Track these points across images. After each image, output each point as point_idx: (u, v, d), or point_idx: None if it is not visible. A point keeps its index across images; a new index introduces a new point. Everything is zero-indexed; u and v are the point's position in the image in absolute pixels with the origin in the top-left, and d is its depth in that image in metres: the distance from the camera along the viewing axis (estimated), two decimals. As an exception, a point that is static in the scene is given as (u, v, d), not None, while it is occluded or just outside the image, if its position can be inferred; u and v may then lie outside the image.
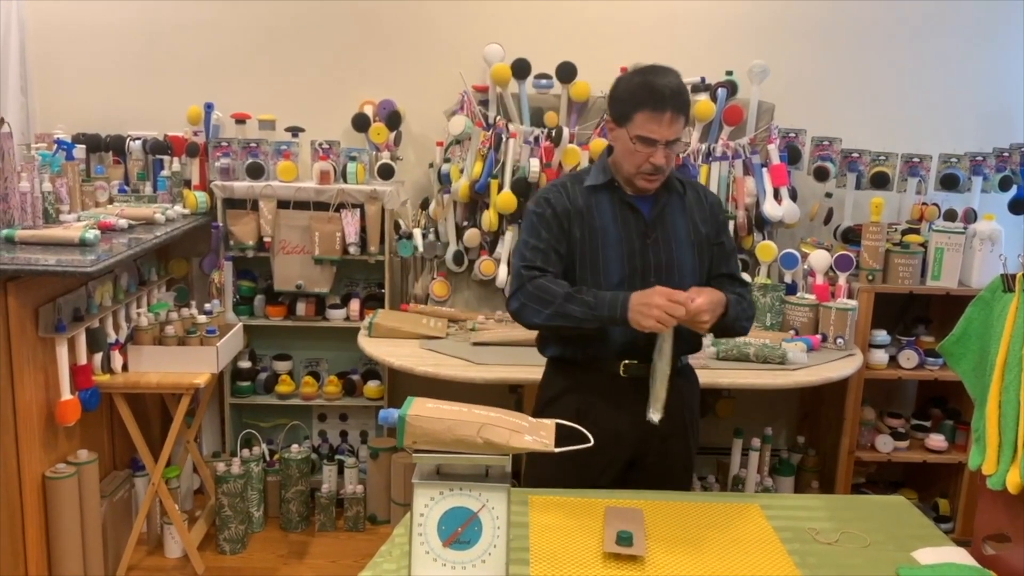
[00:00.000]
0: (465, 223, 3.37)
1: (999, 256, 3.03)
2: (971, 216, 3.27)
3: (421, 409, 1.43)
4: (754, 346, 2.84)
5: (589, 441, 1.48)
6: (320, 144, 3.36)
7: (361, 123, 3.40)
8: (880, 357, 3.18)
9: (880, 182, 3.35)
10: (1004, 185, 3.35)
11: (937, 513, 3.34)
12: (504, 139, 3.24)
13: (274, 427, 3.59)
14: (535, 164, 3.19)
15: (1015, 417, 1.45)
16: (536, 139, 3.25)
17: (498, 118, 3.29)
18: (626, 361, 2.04)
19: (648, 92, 1.92)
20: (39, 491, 2.56)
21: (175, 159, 3.40)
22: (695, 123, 3.29)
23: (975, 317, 1.62)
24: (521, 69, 3.26)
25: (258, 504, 3.33)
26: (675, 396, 2.01)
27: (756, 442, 3.28)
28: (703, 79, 3.32)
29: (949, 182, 3.32)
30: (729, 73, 3.35)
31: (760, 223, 3.34)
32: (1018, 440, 1.44)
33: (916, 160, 3.35)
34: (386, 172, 3.35)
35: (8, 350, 2.39)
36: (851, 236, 3.33)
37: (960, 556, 1.57)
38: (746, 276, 2.98)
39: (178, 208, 3.26)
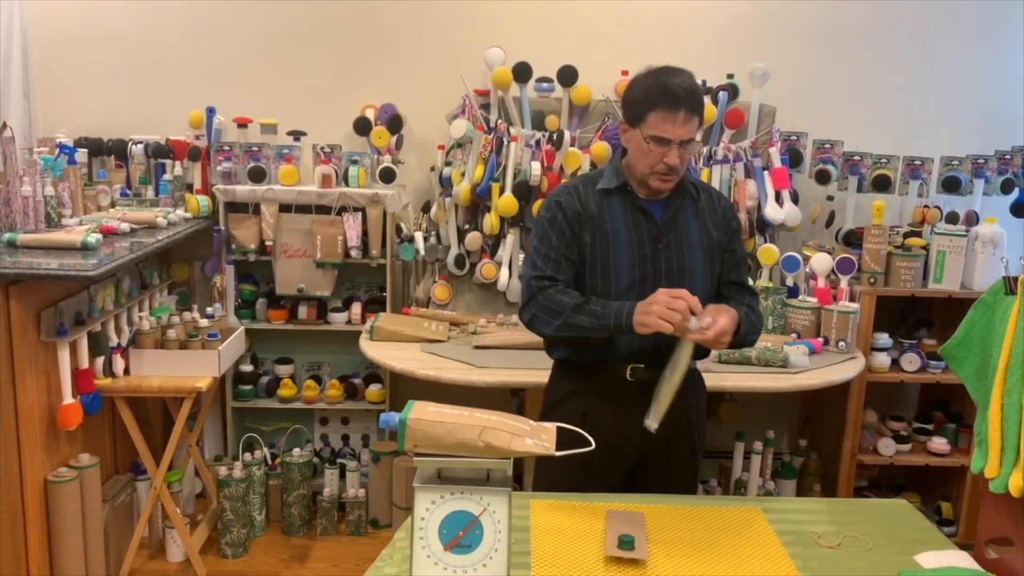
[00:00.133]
0: (466, 226, 3.37)
1: (1001, 259, 3.02)
2: (973, 219, 3.27)
3: (422, 413, 1.43)
4: (756, 349, 2.84)
5: (591, 444, 1.48)
6: (322, 148, 3.37)
7: (363, 127, 3.41)
8: (882, 360, 3.17)
9: (882, 185, 3.34)
10: (1006, 188, 3.35)
11: (940, 517, 3.33)
12: (505, 142, 3.25)
13: (276, 431, 3.59)
14: (536, 167, 3.19)
15: (1017, 420, 1.44)
16: (537, 142, 3.25)
17: (499, 121, 3.29)
18: (633, 365, 2.03)
19: (661, 92, 1.91)
20: (41, 495, 2.56)
21: (177, 163, 3.41)
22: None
23: (977, 320, 1.61)
24: (522, 73, 3.27)
25: (260, 508, 3.33)
26: (682, 400, 2.00)
27: (758, 445, 3.27)
28: (704, 82, 3.31)
29: (951, 185, 3.31)
30: (730, 76, 3.35)
31: (761, 226, 3.34)
32: (1020, 443, 1.44)
33: (918, 163, 3.35)
34: (388, 176, 3.35)
35: (10, 354, 2.40)
36: (853, 239, 3.32)
37: (963, 560, 1.56)
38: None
39: (180, 212, 3.26)
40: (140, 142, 3.44)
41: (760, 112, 3.35)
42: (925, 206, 3.36)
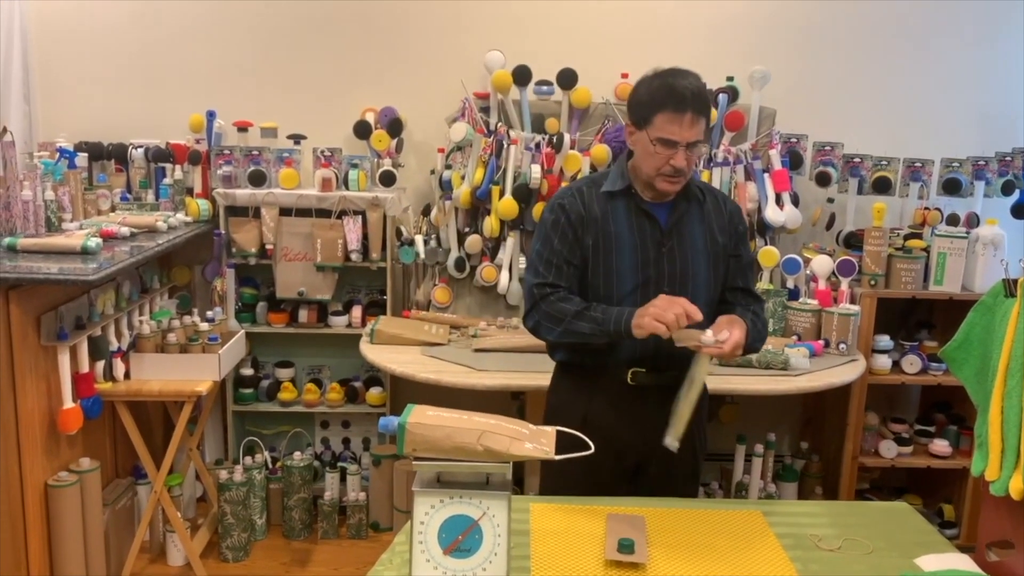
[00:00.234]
0: (467, 229, 3.37)
1: (1000, 261, 3.02)
2: (973, 220, 3.27)
3: (421, 416, 1.43)
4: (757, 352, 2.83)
5: (590, 448, 1.48)
6: (322, 151, 3.37)
7: (363, 130, 3.41)
8: (883, 362, 3.17)
9: (882, 187, 3.34)
10: (1007, 189, 3.35)
11: (942, 519, 3.32)
12: (505, 145, 3.25)
13: (276, 434, 3.59)
14: (536, 170, 3.19)
15: (1017, 423, 1.44)
16: (537, 145, 3.25)
17: (499, 124, 3.29)
18: (634, 369, 2.03)
19: (668, 93, 1.90)
20: (41, 499, 2.55)
21: (177, 167, 3.41)
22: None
23: (977, 322, 1.61)
24: (522, 76, 3.27)
25: (260, 512, 3.32)
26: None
27: (759, 448, 3.27)
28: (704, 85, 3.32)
29: (951, 186, 3.31)
30: (730, 79, 3.35)
31: (762, 229, 3.33)
32: (1021, 446, 1.44)
33: (918, 165, 3.35)
34: (388, 179, 3.36)
35: (10, 358, 2.39)
36: (853, 241, 3.32)
37: (963, 563, 1.56)
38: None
39: (180, 216, 3.26)
40: (140, 146, 3.44)
41: (760, 114, 3.35)
42: (926, 208, 3.36)
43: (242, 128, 3.44)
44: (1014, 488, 1.43)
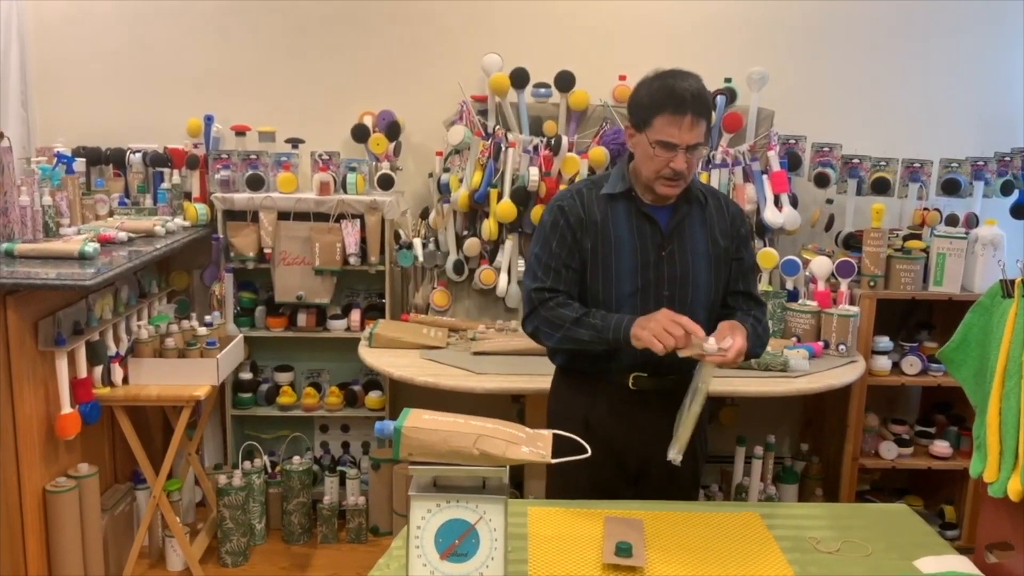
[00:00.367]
0: (465, 232, 3.37)
1: (998, 262, 3.02)
2: (973, 221, 3.26)
3: (417, 421, 1.42)
4: (756, 354, 2.83)
5: (587, 451, 1.47)
6: (320, 155, 3.37)
7: (360, 134, 3.41)
8: (883, 363, 3.16)
9: (881, 188, 3.34)
10: (1006, 190, 3.34)
11: (943, 520, 3.32)
12: (503, 148, 3.24)
13: (276, 439, 3.58)
14: (534, 173, 3.18)
15: (1016, 424, 1.43)
16: (535, 148, 3.25)
17: (497, 127, 3.29)
18: (636, 374, 2.01)
19: (668, 95, 1.88)
20: (39, 505, 2.55)
21: (175, 171, 3.41)
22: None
23: (975, 323, 1.61)
24: (519, 78, 3.27)
25: (260, 516, 3.32)
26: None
27: (759, 450, 3.26)
28: (702, 86, 3.32)
29: (950, 187, 3.31)
30: (728, 80, 3.35)
31: (761, 230, 3.33)
32: (1019, 447, 1.43)
33: (917, 165, 3.34)
34: (386, 182, 3.35)
35: (7, 364, 2.39)
36: (852, 242, 3.31)
37: (962, 564, 1.55)
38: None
39: (178, 220, 3.26)
40: (138, 151, 3.44)
41: (758, 116, 3.34)
42: (925, 209, 3.35)
43: (240, 132, 3.44)
44: (1012, 489, 1.43)
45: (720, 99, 3.28)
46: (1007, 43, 3.53)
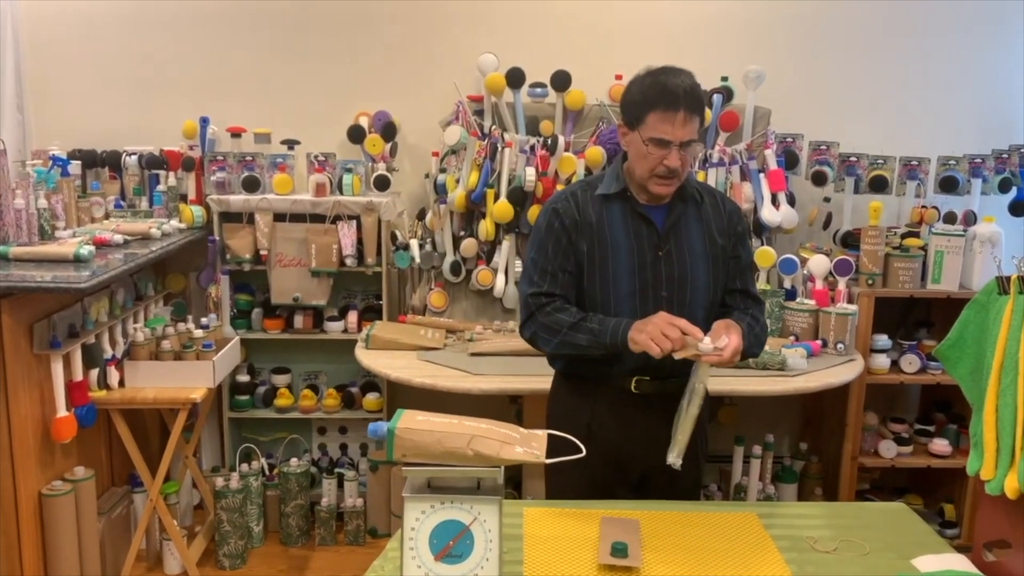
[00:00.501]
0: (462, 233, 3.36)
1: (994, 258, 3.01)
2: (971, 218, 3.25)
3: (410, 422, 1.42)
4: (753, 353, 2.82)
5: (581, 451, 1.47)
6: (316, 156, 3.36)
7: (356, 135, 3.40)
8: (882, 362, 3.15)
9: (879, 186, 3.33)
10: (1004, 187, 3.33)
11: (943, 519, 3.31)
12: (499, 148, 3.24)
13: (273, 441, 3.58)
14: (531, 173, 3.18)
15: (1012, 422, 1.43)
16: (532, 148, 3.24)
17: (493, 127, 3.28)
18: (638, 378, 1.99)
19: (660, 92, 1.86)
20: (35, 509, 2.54)
21: (171, 174, 3.40)
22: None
23: (971, 320, 1.60)
24: (515, 78, 3.26)
25: (258, 519, 3.31)
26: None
27: (757, 449, 3.25)
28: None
29: (948, 185, 3.30)
30: (724, 79, 3.34)
31: (758, 229, 3.32)
32: (1016, 445, 1.42)
33: (915, 163, 3.33)
34: (382, 183, 3.35)
35: (3, 367, 2.38)
36: (850, 240, 3.31)
37: (960, 563, 1.54)
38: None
39: (174, 223, 3.25)
40: (134, 153, 3.44)
41: (755, 114, 3.33)
42: (923, 206, 3.35)
43: (236, 134, 3.44)
44: (1009, 487, 1.42)
45: (717, 98, 3.27)
46: (1004, 40, 3.53)
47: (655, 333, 1.78)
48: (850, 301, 3.13)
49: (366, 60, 3.53)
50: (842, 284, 3.14)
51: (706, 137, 3.31)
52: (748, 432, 3.36)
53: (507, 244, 3.31)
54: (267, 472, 3.43)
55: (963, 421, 3.32)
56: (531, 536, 1.66)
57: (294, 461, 3.36)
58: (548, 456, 1.43)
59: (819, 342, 3.03)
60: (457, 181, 3.27)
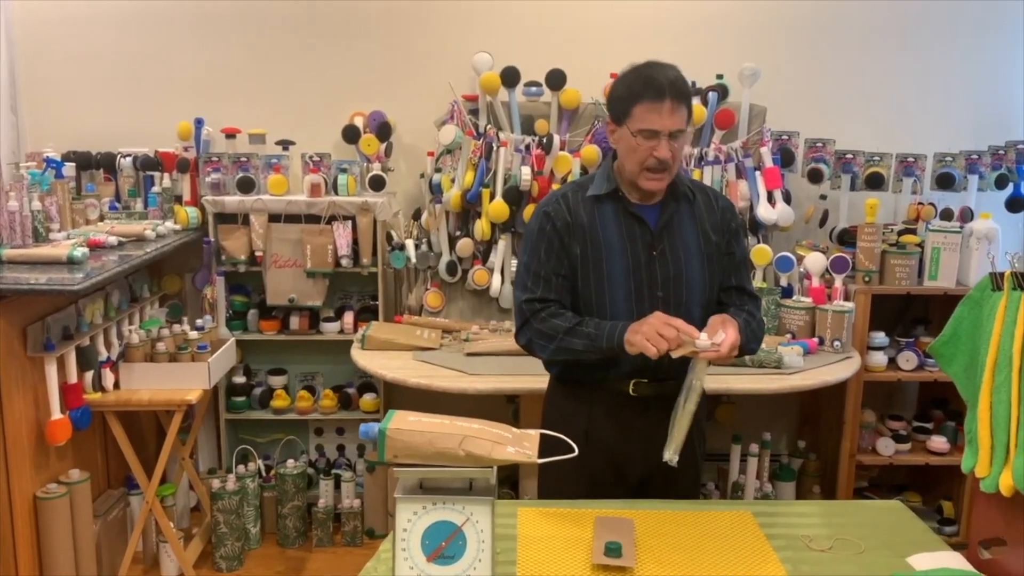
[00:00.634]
0: (457, 233, 3.35)
1: (988, 255, 3.00)
2: (967, 215, 3.25)
3: (401, 422, 1.41)
4: (750, 351, 2.81)
5: (573, 451, 1.46)
6: (310, 157, 3.35)
7: (351, 135, 3.39)
8: (879, 359, 3.15)
9: (875, 183, 3.32)
10: (1000, 183, 3.32)
11: (942, 516, 3.30)
12: (495, 148, 3.23)
13: (270, 442, 3.57)
14: (526, 172, 3.17)
15: (1006, 418, 1.42)
16: (527, 147, 3.23)
17: (488, 127, 3.28)
18: (636, 380, 1.98)
19: (645, 83, 1.86)
20: (30, 512, 2.54)
21: (166, 175, 3.40)
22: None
23: (965, 317, 1.59)
24: (510, 77, 3.25)
25: (254, 520, 3.30)
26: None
27: (755, 448, 3.24)
28: (693, 83, 3.29)
29: (945, 181, 3.29)
30: (719, 76, 3.33)
31: (754, 227, 3.31)
32: (1011, 442, 1.42)
33: (911, 160, 3.33)
34: (377, 183, 3.34)
35: (-4, 370, 2.38)
36: (847, 238, 3.30)
37: (956, 561, 1.54)
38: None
39: (169, 224, 3.24)
40: (128, 155, 3.43)
41: (750, 112, 3.33)
42: (919, 203, 3.34)
43: (230, 135, 3.43)
44: (1003, 484, 1.41)
45: (712, 95, 3.27)
46: (1000, 36, 3.52)
47: (651, 333, 1.77)
48: (847, 298, 3.12)
49: (361, 60, 3.52)
50: (839, 281, 3.13)
51: (701, 135, 3.30)
52: (745, 430, 3.35)
53: (503, 244, 3.30)
54: (264, 473, 3.43)
55: (961, 418, 3.26)
56: (525, 536, 1.65)
57: (291, 462, 3.35)
58: (541, 456, 1.43)
59: (816, 340, 3.03)
60: (452, 181, 3.26)
